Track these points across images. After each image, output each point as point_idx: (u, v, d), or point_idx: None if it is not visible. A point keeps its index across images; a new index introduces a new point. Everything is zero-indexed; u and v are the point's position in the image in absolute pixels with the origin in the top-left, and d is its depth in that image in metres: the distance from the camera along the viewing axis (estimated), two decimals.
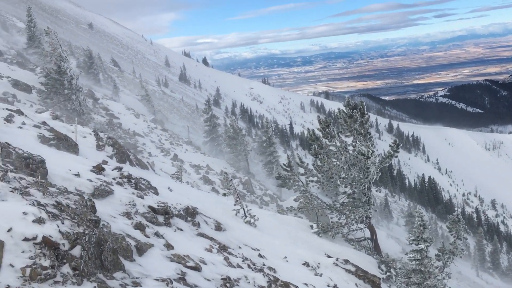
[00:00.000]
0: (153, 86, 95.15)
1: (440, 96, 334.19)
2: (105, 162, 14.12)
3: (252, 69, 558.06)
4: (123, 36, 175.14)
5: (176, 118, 70.80)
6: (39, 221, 6.50)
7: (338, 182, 18.27)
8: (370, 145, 17.30)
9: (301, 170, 19.32)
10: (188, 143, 45.54)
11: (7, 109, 14.33)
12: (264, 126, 49.58)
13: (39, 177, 9.06)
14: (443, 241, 21.37)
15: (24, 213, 6.55)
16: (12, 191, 7.20)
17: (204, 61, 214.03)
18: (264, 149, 47.08)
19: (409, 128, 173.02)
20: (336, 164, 17.51)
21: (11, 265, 5.36)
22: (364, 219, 18.29)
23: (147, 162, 20.23)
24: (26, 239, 5.73)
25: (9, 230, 5.80)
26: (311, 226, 17.30)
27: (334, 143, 17.43)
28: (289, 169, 19.30)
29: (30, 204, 6.98)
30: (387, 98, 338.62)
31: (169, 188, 15.02)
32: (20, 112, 14.64)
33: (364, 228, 18.77)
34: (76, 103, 25.56)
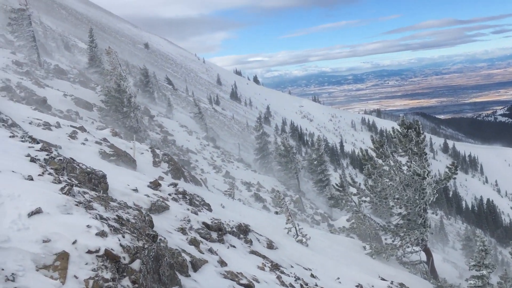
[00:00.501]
0: (205, 103, 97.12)
1: (499, 115, 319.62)
2: (161, 178, 14.51)
3: (302, 87, 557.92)
4: (177, 55, 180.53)
5: (227, 136, 71.74)
6: (102, 234, 6.75)
7: (392, 203, 17.80)
8: (426, 166, 16.78)
9: (353, 190, 18.99)
10: (239, 160, 45.94)
11: (71, 126, 15.07)
12: (315, 144, 49.27)
13: (101, 191, 9.44)
14: (505, 268, 20.23)
15: (88, 226, 6.82)
16: (77, 205, 7.53)
17: (255, 79, 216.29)
18: (315, 168, 46.67)
19: (465, 148, 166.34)
20: (390, 184, 17.09)
21: (75, 277, 5.56)
22: (420, 241, 17.65)
23: (200, 178, 20.58)
24: (89, 252, 5.93)
25: (74, 243, 6.03)
26: (364, 247, 16.90)
27: (388, 163, 17.04)
28: (341, 189, 19.03)
29: (93, 218, 7.27)
30: (442, 116, 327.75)
31: (221, 205, 15.19)
32: (83, 129, 15.35)
33: (420, 251, 18.10)
34: (134, 121, 26.54)
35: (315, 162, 47.00)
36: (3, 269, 5.27)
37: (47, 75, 30.20)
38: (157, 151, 17.71)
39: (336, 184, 19.28)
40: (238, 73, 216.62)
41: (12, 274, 5.21)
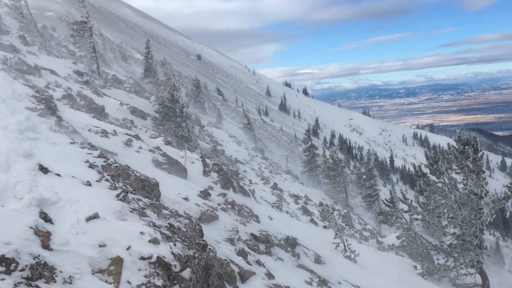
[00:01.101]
0: (254, 115, 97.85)
1: None
2: (210, 188, 14.68)
3: (352, 100, 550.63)
4: (228, 66, 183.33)
5: (275, 147, 71.81)
6: (154, 241, 6.89)
7: (446, 222, 17.11)
8: (484, 184, 16.04)
9: (404, 207, 18.44)
10: (286, 172, 45.82)
11: (126, 134, 15.58)
12: (364, 158, 48.38)
13: (154, 199, 9.66)
14: None
15: (142, 233, 6.99)
16: (131, 211, 7.74)
17: (304, 91, 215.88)
18: (364, 182, 45.77)
19: None
20: (444, 202, 16.45)
21: (128, 282, 5.68)
22: (475, 263, 16.84)
23: (249, 189, 20.65)
24: (142, 258, 6.05)
25: (128, 248, 6.17)
26: (415, 267, 16.32)
27: (442, 180, 16.43)
28: (391, 205, 18.53)
29: (146, 225, 7.45)
30: (499, 133, 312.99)
31: (269, 216, 15.16)
32: (137, 137, 15.83)
33: (475, 273, 17.26)
34: (185, 130, 27.10)
35: (364, 177, 46.09)
36: (61, 271, 5.48)
37: (105, 85, 31.46)
38: (208, 160, 17.96)
39: (386, 200, 18.78)
40: (287, 85, 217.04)
41: (70, 276, 5.40)
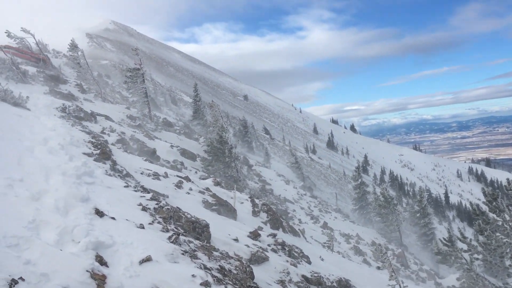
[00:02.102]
0: (301, 153, 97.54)
1: None
2: (260, 228, 14.61)
3: (402, 135, 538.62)
4: (274, 105, 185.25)
5: (324, 185, 70.87)
6: (206, 284, 6.89)
7: (510, 262, 16.10)
8: None
9: (463, 246, 17.55)
10: (336, 211, 44.94)
11: (177, 176, 15.92)
12: (417, 195, 46.75)
13: (205, 240, 9.73)
14: None
15: (193, 275, 7.03)
16: (183, 254, 7.83)
17: (352, 128, 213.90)
18: (418, 220, 44.04)
19: None
20: (506, 241, 15.54)
21: None
22: None
23: (298, 229, 20.38)
24: None
25: None
26: None
27: (503, 217, 15.58)
28: (449, 244, 17.71)
29: (198, 267, 7.48)
30: None
31: (320, 257, 14.83)
32: (187, 179, 16.13)
33: None
34: (234, 170, 27.40)
35: (418, 214, 44.42)
36: None
37: (156, 128, 32.53)
38: (256, 200, 17.96)
39: (444, 239, 17.98)
40: (334, 122, 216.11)
41: None
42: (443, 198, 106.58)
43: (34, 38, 36.39)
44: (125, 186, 10.98)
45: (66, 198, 8.41)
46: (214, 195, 15.32)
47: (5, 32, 34.54)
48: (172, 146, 26.60)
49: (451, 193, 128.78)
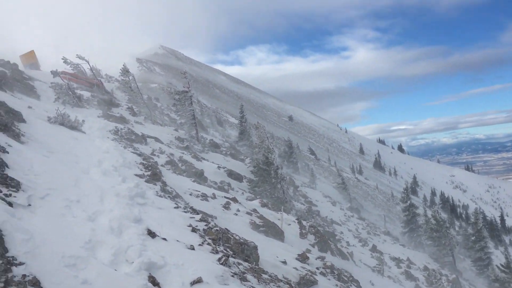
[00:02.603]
0: (347, 173, 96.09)
1: None
2: (308, 251, 14.43)
3: (452, 155, 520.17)
4: (319, 125, 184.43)
5: (371, 206, 69.28)
6: None
7: None
8: None
9: None
10: (385, 233, 43.72)
11: (225, 197, 16.06)
12: (471, 217, 44.78)
13: (253, 262, 9.70)
14: None
15: None
16: (232, 276, 7.83)
17: (399, 148, 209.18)
18: (472, 244, 42.06)
19: None
20: None
21: None
22: None
23: (347, 252, 19.96)
24: None
25: None
26: None
27: None
28: (507, 270, 16.78)
29: None
30: None
31: (371, 282, 14.43)
32: (235, 200, 16.23)
33: None
34: (280, 191, 27.33)
35: (472, 238, 42.46)
36: None
37: (203, 149, 33.08)
38: (304, 222, 17.78)
39: (501, 265, 17.07)
40: (381, 142, 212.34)
41: None
42: (498, 221, 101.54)
43: (88, 64, 38.22)
44: (175, 207, 11.19)
45: (120, 219, 8.66)
46: (261, 217, 15.31)
47: (62, 59, 36.41)
48: (219, 167, 26.92)
49: (508, 216, 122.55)
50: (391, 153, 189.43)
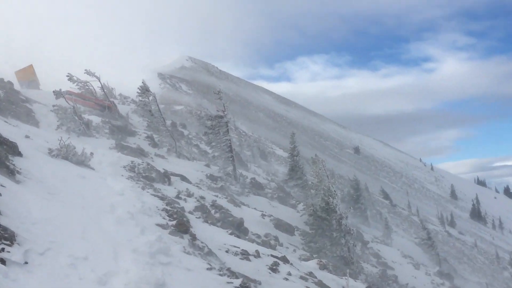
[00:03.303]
0: (434, 225, 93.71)
1: None
2: None
3: None
4: (395, 160, 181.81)
5: (468, 271, 67.01)
6: None
7: None
8: None
9: None
10: None
11: (271, 255, 15.97)
12: None
13: None
14: None
15: None
16: None
17: (506, 192, 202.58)
18: None
19: None
20: None
21: None
22: None
23: None
24: None
25: None
26: None
27: None
28: None
29: None
30: None
31: None
32: (285, 260, 16.10)
33: None
34: (345, 249, 26.92)
35: None
36: None
37: (243, 191, 33.25)
38: None
39: None
40: (480, 183, 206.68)
41: None
42: None
43: (99, 81, 39.56)
44: (208, 268, 11.21)
45: (137, 282, 8.76)
46: (320, 283, 15.10)
47: (67, 76, 37.72)
48: (263, 215, 26.91)
49: None
50: (495, 198, 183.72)
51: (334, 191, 28.49)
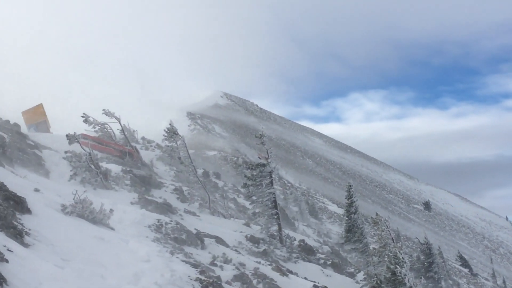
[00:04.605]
0: None
1: None
2: None
3: None
4: (474, 218, 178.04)
5: None
6: None
7: None
8: None
9: None
10: None
11: None
12: None
13: None
14: None
15: None
16: None
17: None
18: None
19: None
20: None
21: None
22: None
23: None
24: None
25: None
26: None
27: None
28: None
29: None
30: None
31: None
32: None
33: None
34: None
35: None
36: None
37: (290, 256, 32.88)
38: None
39: None
40: None
41: None
42: None
43: (119, 123, 40.04)
44: None
45: None
46: None
47: (82, 116, 38.14)
48: (316, 287, 26.49)
49: None
50: None
51: (402, 258, 27.86)
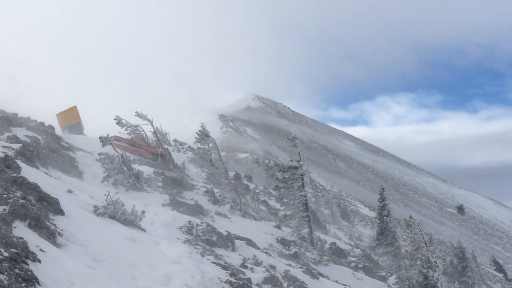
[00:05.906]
0: None
1: None
2: None
3: None
4: (510, 222, 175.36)
5: None
6: None
7: None
8: None
9: None
10: None
11: None
12: None
13: None
14: None
15: None
16: None
17: None
18: None
19: None
20: None
21: None
22: None
23: None
24: None
25: None
26: None
27: None
28: None
29: None
30: None
31: None
32: None
33: None
34: None
35: None
36: None
37: (321, 259, 32.76)
38: None
39: None
40: None
41: None
42: None
43: (152, 125, 40.28)
44: None
45: None
46: None
47: (115, 119, 38.51)
48: None
49: None
50: None
51: (435, 262, 27.62)
